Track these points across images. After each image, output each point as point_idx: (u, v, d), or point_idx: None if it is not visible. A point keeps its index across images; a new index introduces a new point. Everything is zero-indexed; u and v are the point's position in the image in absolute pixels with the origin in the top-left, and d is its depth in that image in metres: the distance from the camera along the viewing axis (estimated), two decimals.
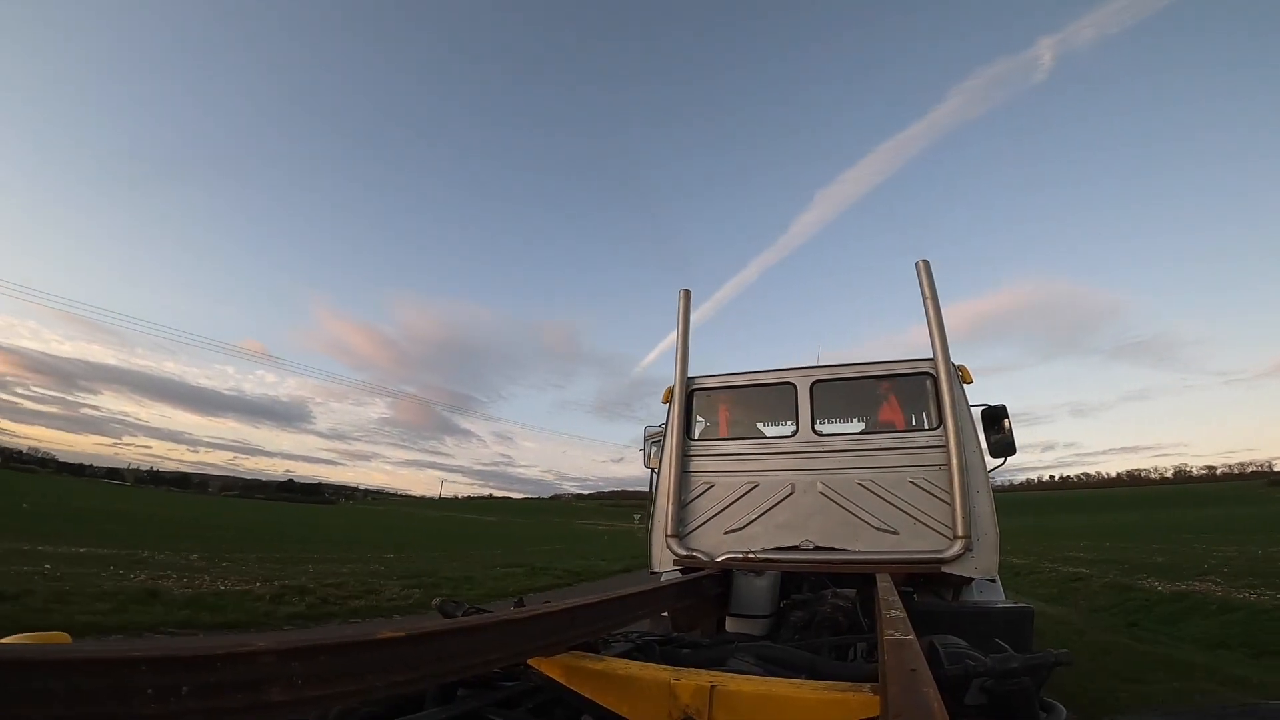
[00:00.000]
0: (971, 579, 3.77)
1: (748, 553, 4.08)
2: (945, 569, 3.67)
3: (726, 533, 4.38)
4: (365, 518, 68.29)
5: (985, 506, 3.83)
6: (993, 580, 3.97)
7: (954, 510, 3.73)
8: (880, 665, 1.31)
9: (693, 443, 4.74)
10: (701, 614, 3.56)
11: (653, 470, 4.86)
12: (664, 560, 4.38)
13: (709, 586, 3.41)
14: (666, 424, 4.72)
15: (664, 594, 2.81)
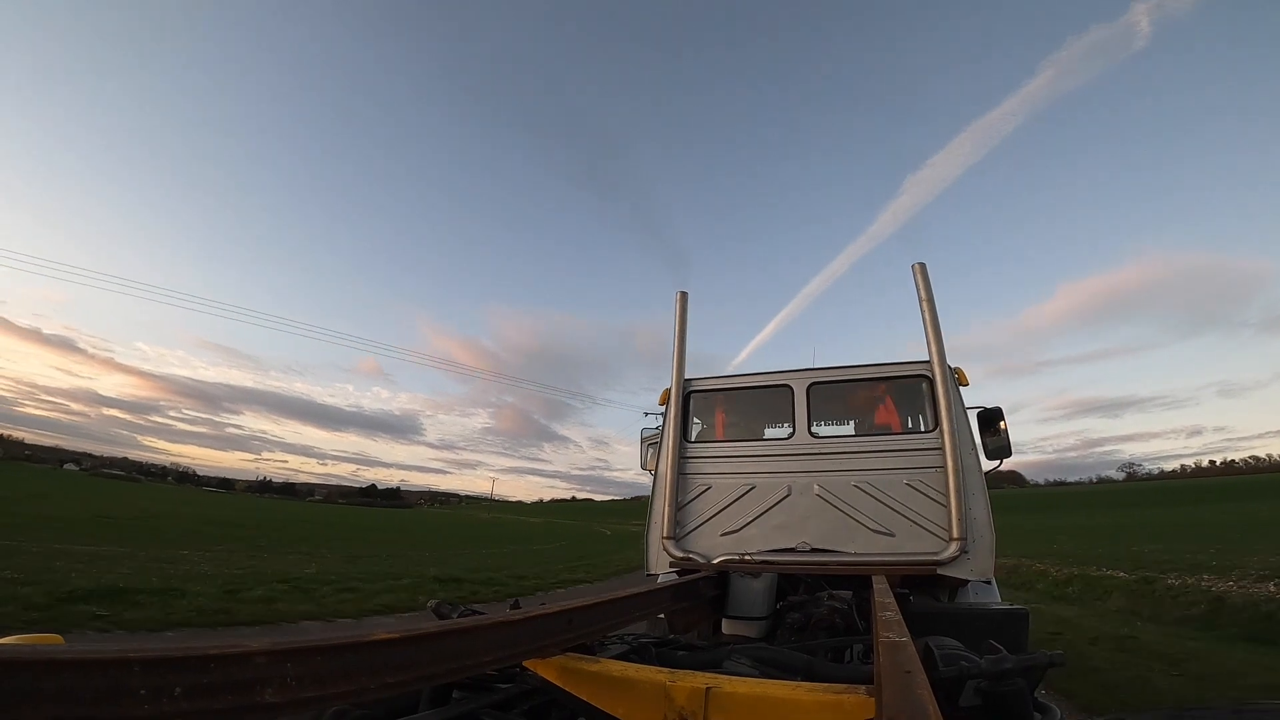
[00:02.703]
0: (967, 580, 3.78)
1: (744, 555, 4.08)
2: (941, 571, 3.68)
3: (723, 535, 4.38)
4: (416, 520, 68.37)
5: (981, 508, 3.83)
6: (988, 582, 3.98)
7: (950, 512, 3.74)
8: (876, 667, 1.32)
9: (689, 445, 4.74)
10: (698, 616, 3.56)
11: (650, 473, 4.87)
12: (660, 562, 4.38)
13: (705, 588, 3.41)
14: (663, 426, 4.73)
15: (660, 596, 2.80)
